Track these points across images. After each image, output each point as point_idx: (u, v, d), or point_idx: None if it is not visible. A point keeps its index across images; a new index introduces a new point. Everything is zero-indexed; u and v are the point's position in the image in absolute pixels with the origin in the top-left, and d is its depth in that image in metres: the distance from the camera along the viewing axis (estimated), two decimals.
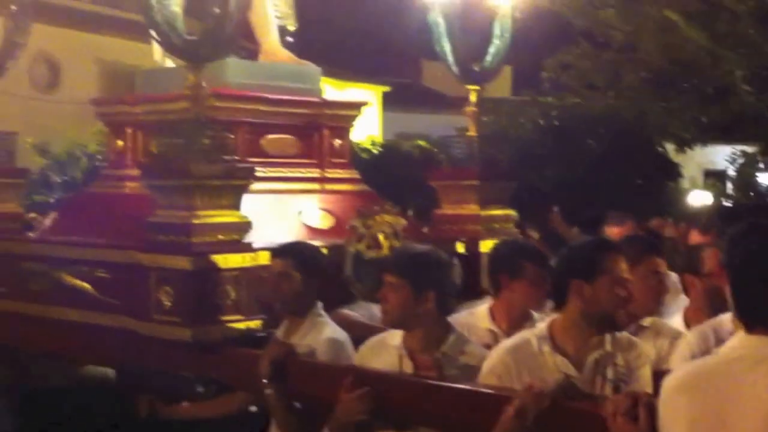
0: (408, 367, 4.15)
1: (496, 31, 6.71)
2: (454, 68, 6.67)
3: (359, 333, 4.77)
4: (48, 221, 6.63)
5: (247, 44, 6.77)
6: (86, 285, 5.53)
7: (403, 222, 5.82)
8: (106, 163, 7.05)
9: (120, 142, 6.41)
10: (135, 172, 6.02)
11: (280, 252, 4.89)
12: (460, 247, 6.27)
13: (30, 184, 7.52)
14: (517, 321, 4.71)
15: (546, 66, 21.43)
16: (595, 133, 19.72)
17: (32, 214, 8.69)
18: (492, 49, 6.73)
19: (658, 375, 3.34)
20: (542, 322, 4.01)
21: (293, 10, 6.96)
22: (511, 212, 6.71)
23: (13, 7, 6.23)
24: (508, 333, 4.52)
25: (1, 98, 6.65)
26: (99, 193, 6.50)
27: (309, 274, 4.80)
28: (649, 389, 3.58)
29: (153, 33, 5.09)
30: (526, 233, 8.46)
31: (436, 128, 20.61)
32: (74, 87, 27.53)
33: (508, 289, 4.77)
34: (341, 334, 4.74)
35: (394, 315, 4.20)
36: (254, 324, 5.08)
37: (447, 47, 6.62)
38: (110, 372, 5.69)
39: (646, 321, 4.67)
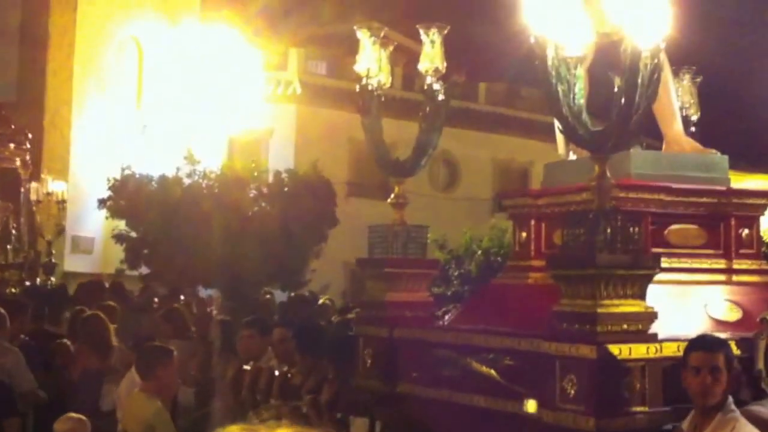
0: None
1: None
2: None
3: None
4: (456, 310, 6.91)
5: (646, 140, 6.75)
6: (493, 372, 5.68)
7: None
8: (509, 255, 7.26)
9: (523, 234, 6.59)
10: (539, 263, 6.15)
11: (710, 346, 4.79)
12: None
13: None
14: None
15: None
16: None
17: None
18: None
19: None
20: None
21: (696, 99, 6.89)
22: None
23: (428, 109, 6.62)
24: None
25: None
26: (504, 284, 6.70)
27: (731, 369, 4.70)
28: None
29: (559, 125, 5.23)
30: None
31: None
32: (470, 184, 28.68)
33: None
34: None
35: None
36: (659, 416, 4.99)
37: None
38: None
39: None
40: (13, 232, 18.62)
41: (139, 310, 11.79)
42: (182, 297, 13.42)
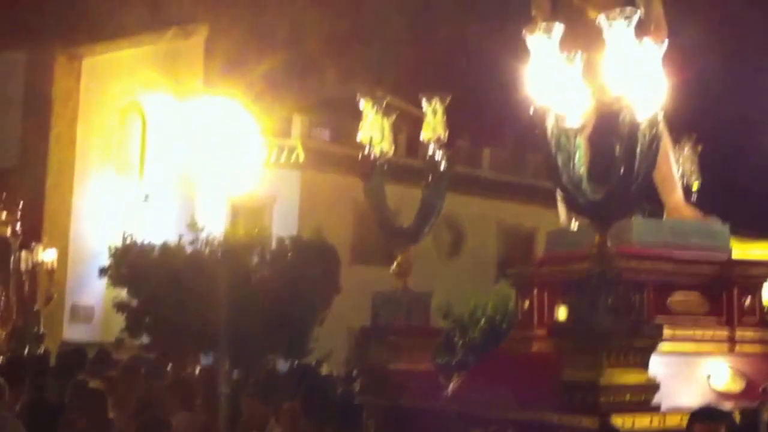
0: None
1: None
2: None
3: None
4: (459, 380, 6.87)
5: (648, 205, 6.77)
6: None
7: None
8: (512, 323, 7.24)
9: (527, 303, 6.58)
10: (542, 331, 6.13)
11: (712, 417, 4.75)
12: None
13: None
14: None
15: None
16: None
17: None
18: None
19: None
20: None
21: (696, 167, 6.92)
22: None
23: (431, 177, 6.62)
24: None
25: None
26: (507, 353, 6.68)
27: None
28: None
29: (560, 194, 5.24)
30: None
31: None
32: (475, 250, 28.58)
33: None
34: None
35: None
36: None
37: None
38: None
39: None
40: (2, 300, 18.55)
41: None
42: (170, 365, 13.24)
